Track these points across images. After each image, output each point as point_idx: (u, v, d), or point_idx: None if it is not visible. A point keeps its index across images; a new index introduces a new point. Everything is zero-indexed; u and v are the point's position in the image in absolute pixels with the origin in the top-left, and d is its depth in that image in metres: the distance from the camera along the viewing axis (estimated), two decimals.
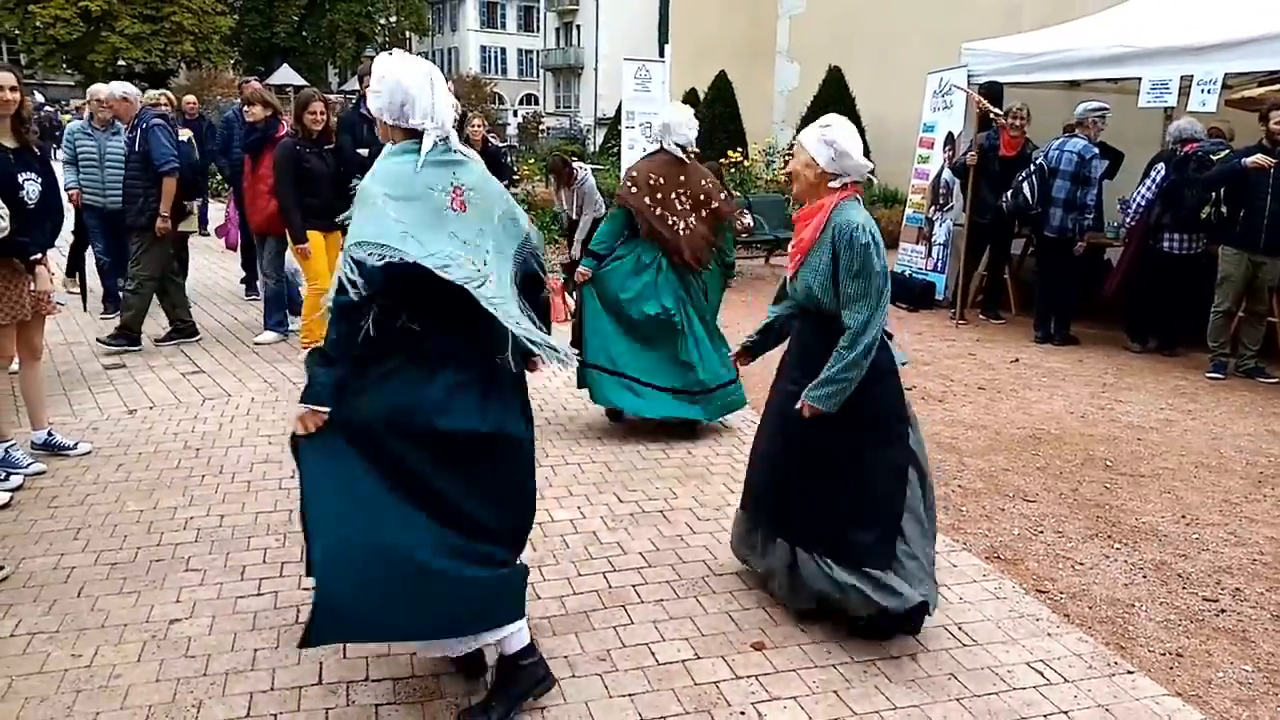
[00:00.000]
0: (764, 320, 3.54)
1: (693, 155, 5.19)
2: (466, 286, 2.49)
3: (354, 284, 2.42)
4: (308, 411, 2.52)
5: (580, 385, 5.19)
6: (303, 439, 2.56)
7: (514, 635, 2.71)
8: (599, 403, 5.18)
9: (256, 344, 7.11)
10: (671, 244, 5.01)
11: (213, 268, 10.41)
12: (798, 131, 14.39)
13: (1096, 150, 7.59)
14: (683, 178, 5.07)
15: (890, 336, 3.19)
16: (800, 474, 3.24)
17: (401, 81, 2.56)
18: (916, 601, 3.04)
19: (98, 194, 7.46)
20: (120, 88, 7.44)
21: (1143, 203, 7.44)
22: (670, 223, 5.01)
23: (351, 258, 2.44)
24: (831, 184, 3.10)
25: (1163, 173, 7.31)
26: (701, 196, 5.10)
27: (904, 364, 3.28)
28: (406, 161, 2.57)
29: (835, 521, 3.14)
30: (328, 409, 2.52)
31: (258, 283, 8.08)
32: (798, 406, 3.12)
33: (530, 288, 2.75)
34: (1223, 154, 6.94)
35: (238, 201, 8.45)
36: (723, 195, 5.27)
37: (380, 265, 2.42)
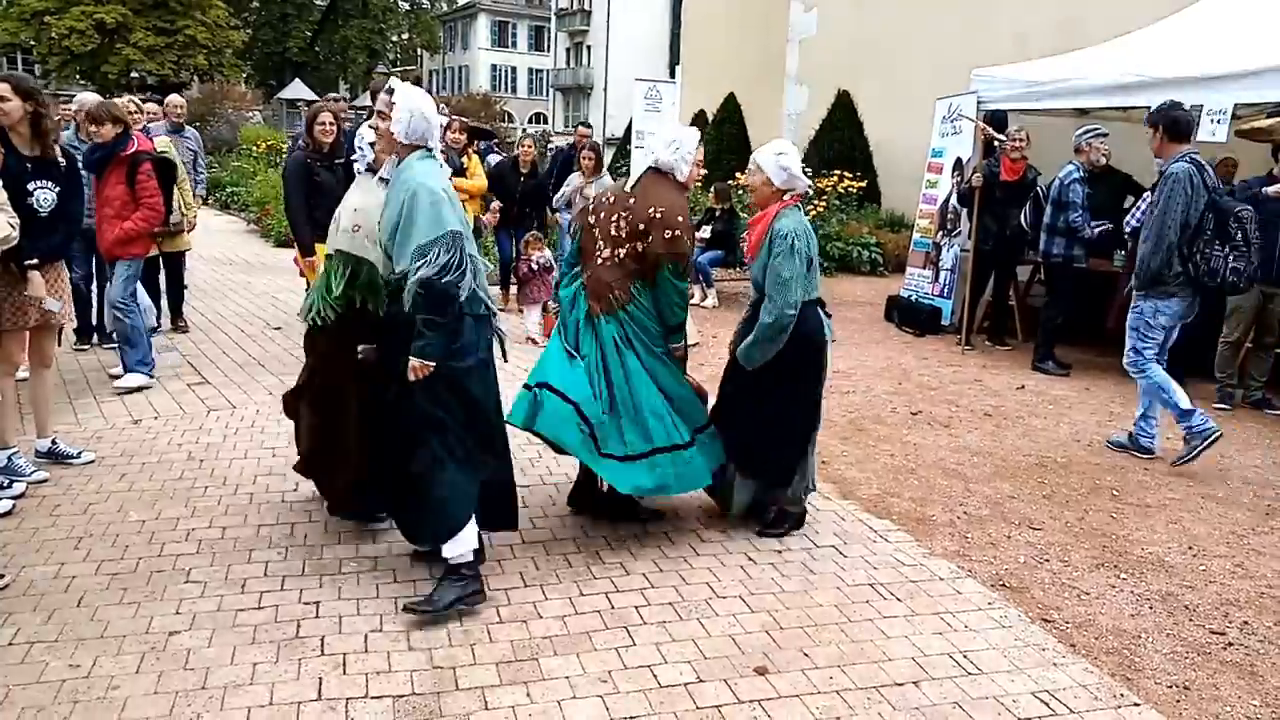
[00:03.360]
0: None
1: (680, 179, 4.03)
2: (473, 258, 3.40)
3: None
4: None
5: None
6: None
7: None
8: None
9: (118, 389, 6.04)
10: (588, 275, 4.05)
11: (221, 279, 10.43)
12: (804, 154, 14.45)
13: (1078, 175, 7.59)
14: (632, 201, 3.95)
15: (829, 315, 4.14)
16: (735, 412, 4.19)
17: (425, 113, 3.34)
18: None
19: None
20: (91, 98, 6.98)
21: (1136, 226, 7.44)
22: (595, 248, 4.03)
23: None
24: (785, 196, 4.06)
25: (1150, 199, 7.31)
26: (640, 227, 3.88)
27: (832, 340, 4.21)
28: (438, 167, 3.44)
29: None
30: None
31: (106, 319, 6.83)
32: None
33: None
34: None
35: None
36: (672, 232, 3.86)
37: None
